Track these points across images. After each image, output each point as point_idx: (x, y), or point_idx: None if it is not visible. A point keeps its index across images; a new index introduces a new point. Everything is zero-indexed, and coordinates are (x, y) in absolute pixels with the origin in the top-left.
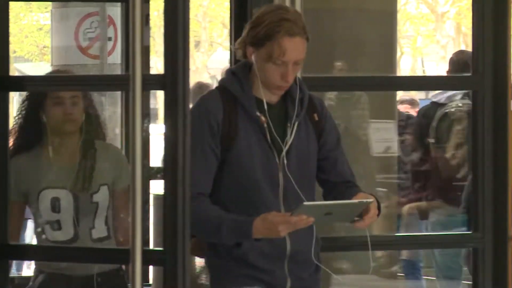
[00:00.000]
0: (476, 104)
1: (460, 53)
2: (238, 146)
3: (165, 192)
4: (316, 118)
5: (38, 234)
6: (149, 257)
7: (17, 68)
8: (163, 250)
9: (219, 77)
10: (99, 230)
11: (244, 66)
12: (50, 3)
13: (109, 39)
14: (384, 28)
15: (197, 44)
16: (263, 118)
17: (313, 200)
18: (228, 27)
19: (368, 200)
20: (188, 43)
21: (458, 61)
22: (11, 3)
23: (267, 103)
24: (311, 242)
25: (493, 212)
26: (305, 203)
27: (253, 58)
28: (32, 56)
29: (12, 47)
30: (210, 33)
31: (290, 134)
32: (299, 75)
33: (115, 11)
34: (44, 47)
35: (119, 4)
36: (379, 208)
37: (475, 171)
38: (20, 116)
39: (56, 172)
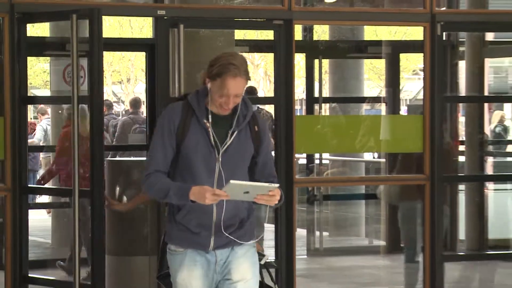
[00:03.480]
0: (276, 111)
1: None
2: (187, 142)
3: (91, 163)
4: (257, 129)
5: None
6: (82, 194)
7: (32, 92)
8: (90, 189)
9: (142, 98)
10: None
11: (205, 88)
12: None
13: (81, 77)
14: None
15: (129, 79)
16: (207, 124)
17: None
18: (145, 70)
19: (275, 185)
20: (102, 81)
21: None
22: (28, 58)
23: (217, 115)
24: (229, 212)
25: (285, 169)
26: (232, 181)
27: (208, 86)
28: (40, 85)
29: (29, 80)
30: (135, 73)
31: (229, 138)
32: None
33: (85, 62)
34: (46, 81)
35: (85, 59)
36: (281, 197)
37: (276, 150)
38: None
39: None
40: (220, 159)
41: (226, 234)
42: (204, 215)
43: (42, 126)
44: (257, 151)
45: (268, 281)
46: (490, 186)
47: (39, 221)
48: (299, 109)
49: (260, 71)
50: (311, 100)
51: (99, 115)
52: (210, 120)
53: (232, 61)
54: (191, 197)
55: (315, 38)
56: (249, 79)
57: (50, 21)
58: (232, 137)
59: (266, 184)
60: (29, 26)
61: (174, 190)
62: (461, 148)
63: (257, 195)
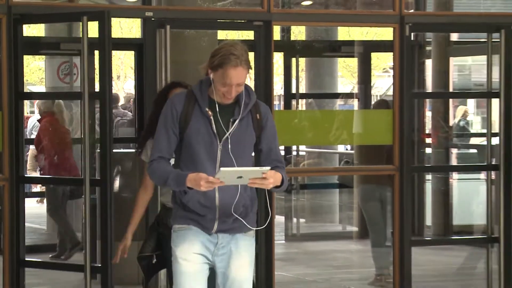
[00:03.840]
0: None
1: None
2: (189, 130)
3: (101, 153)
4: (258, 117)
5: None
6: (93, 183)
7: (28, 88)
8: (100, 178)
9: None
10: None
11: (208, 79)
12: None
13: (74, 74)
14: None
15: (119, 77)
16: (210, 112)
17: None
18: (133, 68)
19: (266, 168)
20: (111, 78)
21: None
22: (25, 56)
23: (220, 104)
24: (234, 198)
25: None
26: (222, 168)
27: (211, 76)
28: (36, 82)
29: (26, 77)
30: (125, 71)
31: (231, 126)
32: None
33: (78, 60)
34: (42, 78)
35: (79, 56)
36: (282, 182)
37: None
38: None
39: None
40: (222, 147)
41: (236, 215)
42: (207, 199)
43: (33, 121)
44: (259, 138)
45: None
46: (454, 176)
47: (35, 208)
48: (278, 104)
49: None
50: (288, 96)
51: (109, 109)
52: (212, 108)
53: (233, 51)
54: (188, 184)
55: (292, 38)
56: (250, 68)
57: (59, 22)
58: (234, 125)
59: (257, 168)
60: (25, 26)
61: (172, 177)
62: (428, 140)
63: (250, 179)
